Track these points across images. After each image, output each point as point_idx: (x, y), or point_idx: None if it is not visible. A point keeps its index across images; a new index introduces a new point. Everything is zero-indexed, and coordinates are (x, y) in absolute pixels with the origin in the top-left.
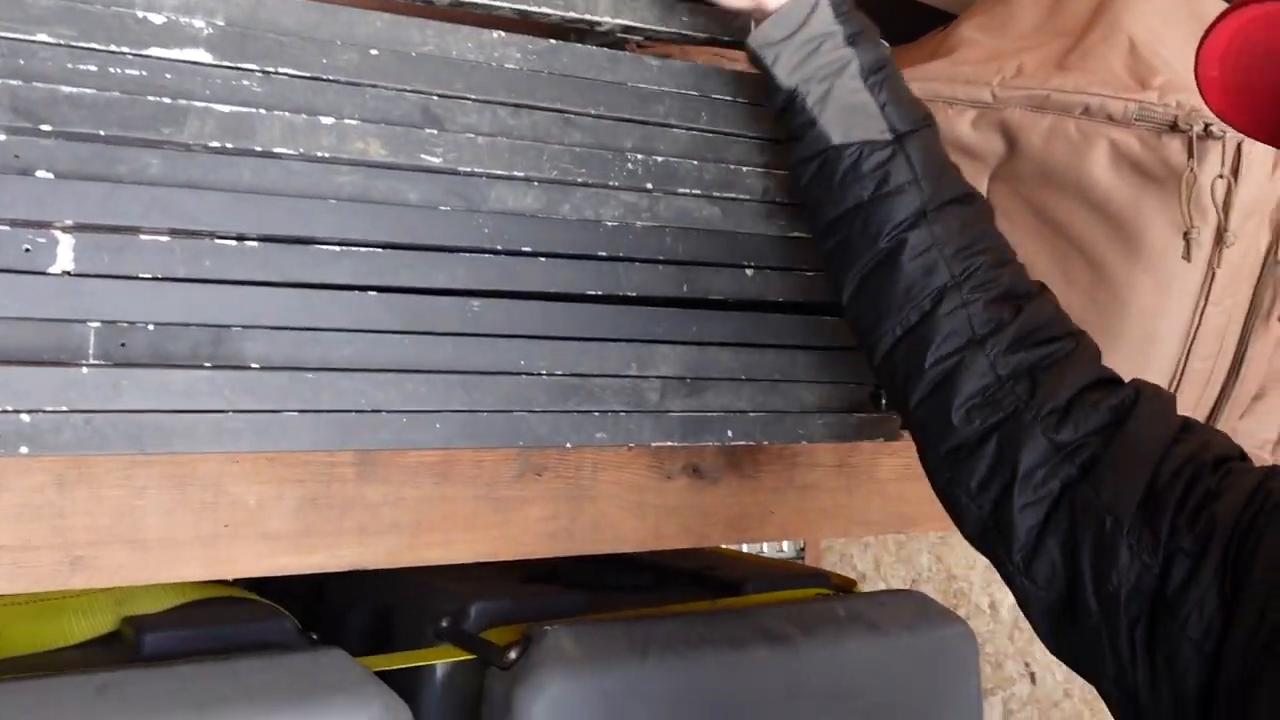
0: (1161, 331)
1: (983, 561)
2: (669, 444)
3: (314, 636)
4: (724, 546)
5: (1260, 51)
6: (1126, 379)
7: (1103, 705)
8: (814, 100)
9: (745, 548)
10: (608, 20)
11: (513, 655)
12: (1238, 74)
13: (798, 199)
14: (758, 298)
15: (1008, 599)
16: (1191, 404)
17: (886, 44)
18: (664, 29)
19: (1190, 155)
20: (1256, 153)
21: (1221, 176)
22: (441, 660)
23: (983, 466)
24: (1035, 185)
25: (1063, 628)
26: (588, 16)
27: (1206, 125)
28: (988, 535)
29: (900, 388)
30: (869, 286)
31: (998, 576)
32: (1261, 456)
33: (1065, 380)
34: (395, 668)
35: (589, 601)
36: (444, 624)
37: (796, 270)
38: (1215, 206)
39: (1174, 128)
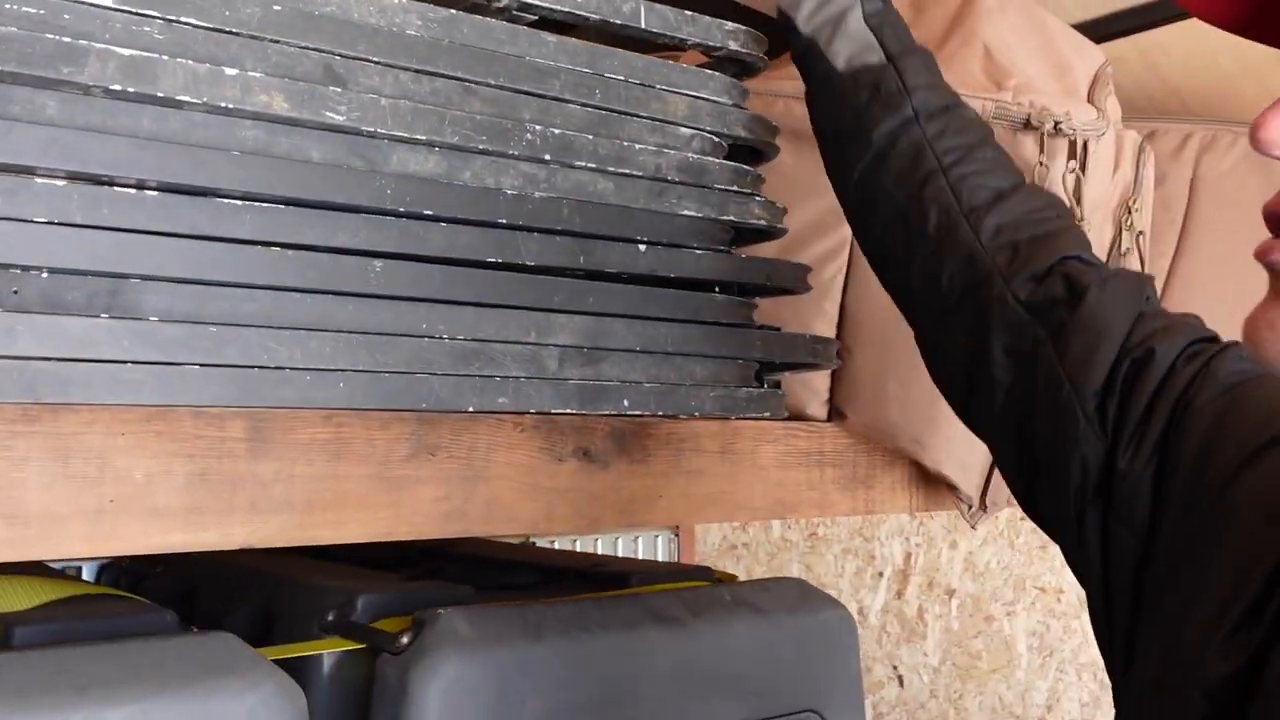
0: None
1: (850, 568)
2: (568, 411)
3: (194, 629)
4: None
5: None
6: None
7: (969, 704)
8: (824, 43)
9: (622, 551)
10: None
11: (405, 640)
12: None
13: (687, 179)
14: (650, 272)
15: (875, 604)
16: None
17: None
18: (558, 6)
19: (1041, 150)
20: (1100, 151)
21: (1071, 170)
22: (329, 650)
23: (961, 331)
24: None
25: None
26: None
27: (1056, 123)
28: (965, 397)
29: (899, 261)
30: (866, 185)
31: (866, 582)
32: None
33: (1047, 250)
34: (281, 658)
35: (476, 597)
36: (330, 617)
37: (687, 248)
38: (1068, 197)
39: (1027, 125)
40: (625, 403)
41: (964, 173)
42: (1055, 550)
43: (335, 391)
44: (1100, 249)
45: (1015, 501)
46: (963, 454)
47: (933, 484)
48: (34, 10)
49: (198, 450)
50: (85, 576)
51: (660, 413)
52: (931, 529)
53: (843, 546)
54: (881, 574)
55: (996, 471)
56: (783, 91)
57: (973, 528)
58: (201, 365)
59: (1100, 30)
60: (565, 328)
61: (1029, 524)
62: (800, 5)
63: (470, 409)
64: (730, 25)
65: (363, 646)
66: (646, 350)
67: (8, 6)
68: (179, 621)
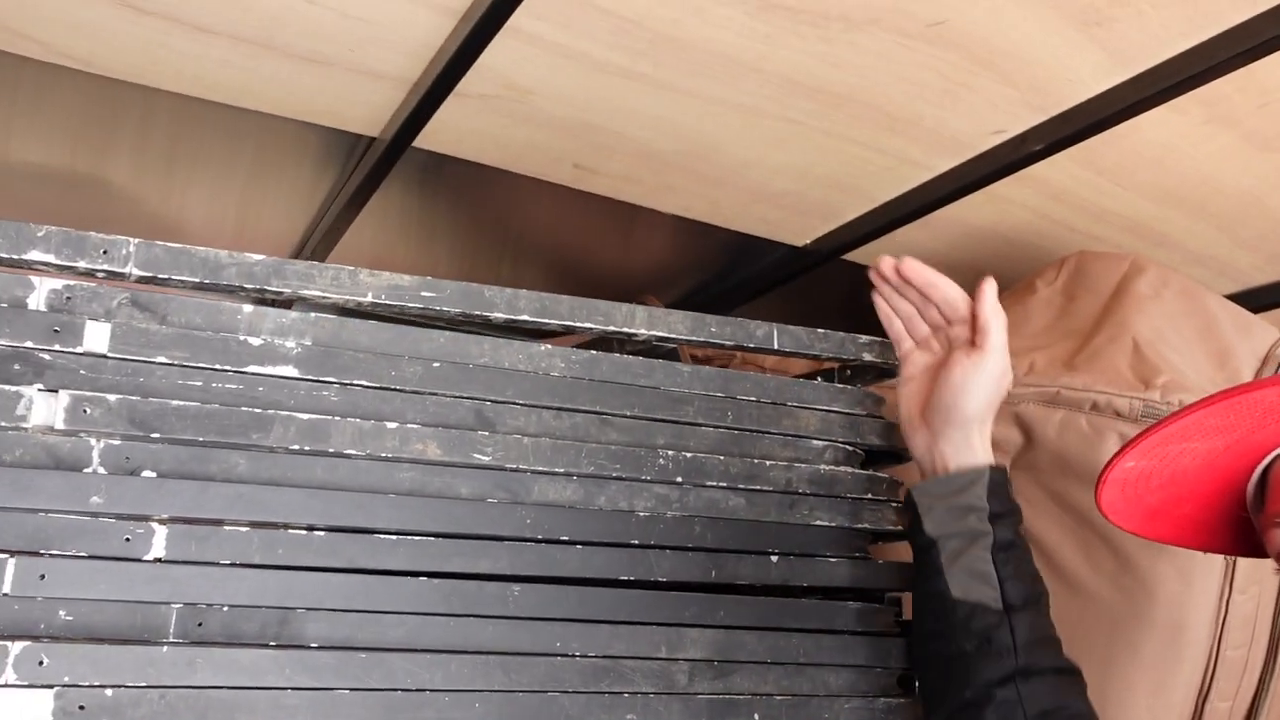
0: (1190, 620)
1: None
2: None
3: None
4: None
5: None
6: (1161, 666)
7: None
8: (947, 556)
9: None
10: (643, 332)
11: None
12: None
13: (819, 490)
14: (782, 583)
15: None
16: (1231, 693)
17: (1023, 521)
18: (694, 338)
19: None
20: None
21: None
22: None
23: None
24: (1054, 474)
25: None
26: (625, 329)
27: None
28: None
29: None
30: (957, 716)
31: None
32: None
33: None
34: None
35: None
36: None
37: (819, 556)
38: None
39: None
40: (756, 716)
41: None
42: None
43: (471, 712)
44: None
45: None
46: None
47: None
48: (235, 386)
49: None
50: None
51: None
52: None
53: None
54: None
55: None
56: None
57: None
58: (350, 690)
59: (1270, 297)
60: (696, 641)
61: None
62: (933, 507)
63: None
64: (864, 339)
65: None
66: (778, 661)
67: (214, 386)
68: None
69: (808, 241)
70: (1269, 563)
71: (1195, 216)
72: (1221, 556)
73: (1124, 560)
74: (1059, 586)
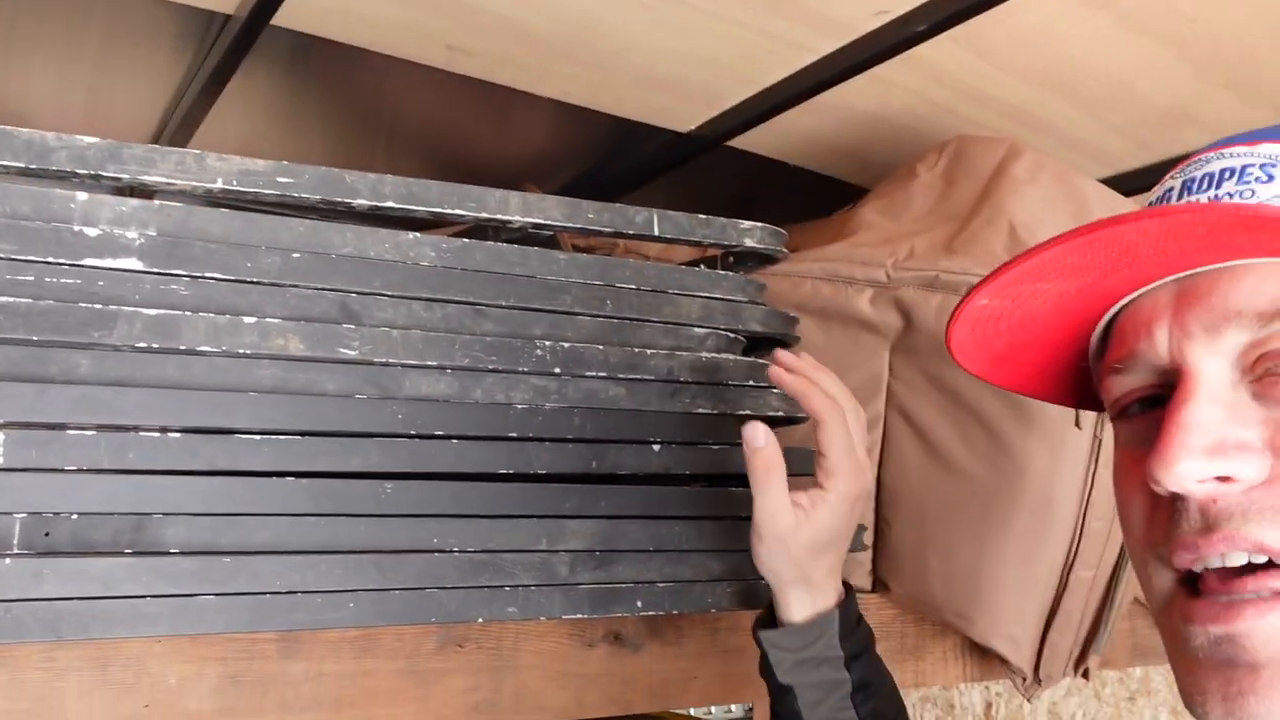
0: (1058, 494)
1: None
2: (578, 616)
3: None
4: (676, 711)
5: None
6: (1031, 538)
7: None
8: (805, 704)
9: (692, 710)
10: (518, 219)
11: None
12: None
13: (700, 378)
14: (664, 471)
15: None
16: (1094, 562)
17: (871, 632)
18: (570, 225)
19: None
20: None
21: None
22: None
23: None
24: (932, 357)
25: None
26: (499, 216)
27: None
28: None
29: None
30: None
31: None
32: None
33: None
34: None
35: None
36: None
37: (701, 444)
38: None
39: None
40: (638, 604)
41: None
42: (1144, 702)
43: (345, 611)
44: None
45: (1076, 667)
46: (1012, 628)
47: (986, 653)
48: (71, 281)
49: (229, 653)
50: None
51: (675, 611)
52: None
53: (921, 695)
54: None
55: (1049, 644)
56: (809, 273)
57: (1027, 700)
58: (215, 595)
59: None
60: (576, 533)
61: (1115, 674)
62: (783, 660)
63: (479, 620)
64: (746, 224)
65: None
66: (660, 549)
67: (48, 280)
68: None
69: (691, 128)
70: None
71: (1070, 101)
72: (1089, 432)
73: (997, 439)
74: (936, 467)
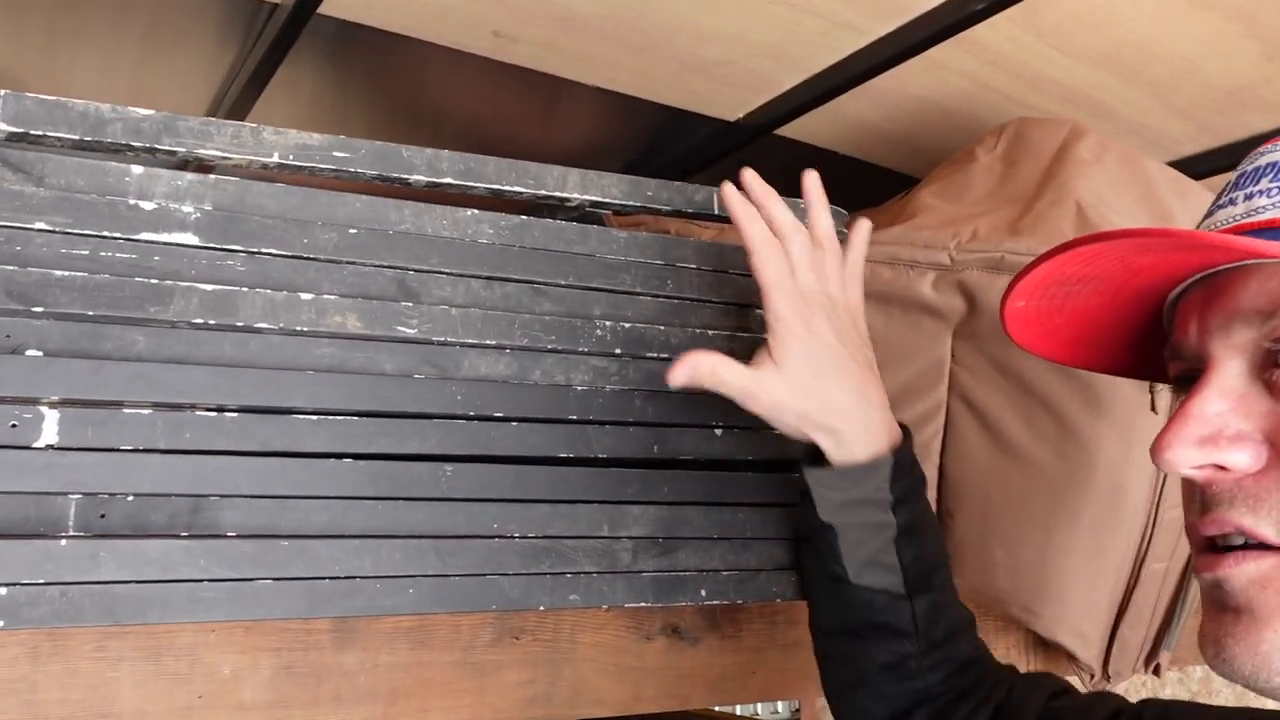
0: (1129, 483)
1: None
2: (642, 605)
3: None
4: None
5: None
6: (1101, 529)
7: None
8: (846, 545)
9: (739, 709)
10: (576, 196)
11: None
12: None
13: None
14: (726, 456)
15: None
16: (1167, 554)
17: (924, 477)
18: (630, 203)
19: None
20: None
21: None
22: None
23: None
24: (996, 342)
25: None
26: (558, 194)
27: None
28: None
29: None
30: (845, 696)
31: None
32: None
33: None
34: None
35: None
36: None
37: (764, 430)
38: None
39: None
40: (702, 592)
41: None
42: (1204, 701)
43: (404, 598)
44: None
45: (1147, 663)
46: (1080, 623)
47: (1051, 649)
48: (126, 256)
49: (284, 643)
50: None
51: (739, 600)
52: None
53: None
54: None
55: (1119, 639)
56: (869, 256)
57: None
58: (273, 579)
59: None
60: (639, 519)
61: (1175, 674)
62: (827, 498)
63: (541, 608)
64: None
65: None
66: (724, 537)
67: (103, 254)
68: None
69: (740, 116)
70: None
71: (1131, 83)
72: (1164, 418)
73: (1066, 426)
74: (1001, 455)
